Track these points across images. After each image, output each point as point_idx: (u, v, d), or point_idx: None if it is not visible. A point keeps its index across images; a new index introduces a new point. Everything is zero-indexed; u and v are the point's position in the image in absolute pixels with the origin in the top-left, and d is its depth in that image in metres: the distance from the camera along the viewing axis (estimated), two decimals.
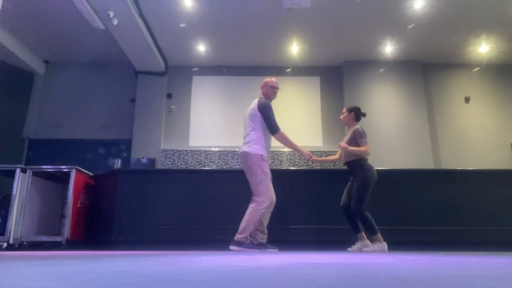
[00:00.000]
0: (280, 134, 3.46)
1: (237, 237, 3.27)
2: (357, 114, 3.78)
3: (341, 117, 3.86)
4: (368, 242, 3.48)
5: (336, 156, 3.88)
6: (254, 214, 3.26)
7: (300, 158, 7.42)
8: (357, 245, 3.52)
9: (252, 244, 3.31)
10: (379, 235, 3.42)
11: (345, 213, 3.59)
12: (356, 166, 3.56)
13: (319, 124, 7.70)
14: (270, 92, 3.64)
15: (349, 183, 3.69)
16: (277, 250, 3.35)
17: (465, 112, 7.69)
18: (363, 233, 3.51)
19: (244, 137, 3.54)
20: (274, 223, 3.41)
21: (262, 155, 3.40)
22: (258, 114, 3.47)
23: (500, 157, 7.37)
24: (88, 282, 0.78)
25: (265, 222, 3.42)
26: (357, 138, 3.58)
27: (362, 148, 3.53)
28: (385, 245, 3.40)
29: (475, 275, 0.92)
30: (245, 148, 3.44)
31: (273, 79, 3.70)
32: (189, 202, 4.14)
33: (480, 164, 7.26)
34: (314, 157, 3.66)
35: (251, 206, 3.32)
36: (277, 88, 3.67)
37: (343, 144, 3.58)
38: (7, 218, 3.99)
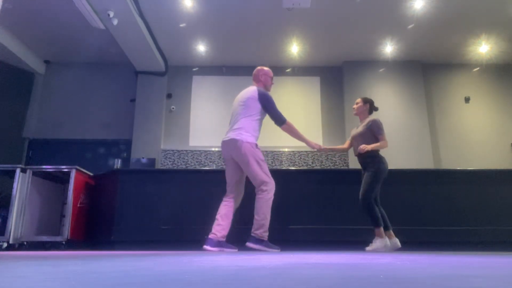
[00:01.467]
0: (288, 124, 3.35)
1: (256, 233, 3.07)
2: (371, 106, 3.76)
3: (355, 106, 3.79)
4: (386, 239, 3.41)
5: (345, 146, 3.80)
6: (266, 205, 3.12)
7: (300, 158, 7.42)
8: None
9: (269, 243, 3.13)
10: (381, 230, 3.38)
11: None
12: (370, 157, 3.51)
13: (319, 124, 7.70)
14: (268, 84, 3.55)
15: (362, 177, 3.63)
16: (236, 250, 3.20)
17: (465, 112, 7.69)
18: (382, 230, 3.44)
19: (232, 124, 3.34)
20: (274, 223, 3.40)
21: (254, 143, 3.25)
22: (257, 104, 3.30)
23: (500, 157, 7.37)
24: (88, 282, 0.78)
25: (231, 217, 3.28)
26: (374, 130, 3.55)
27: (381, 143, 3.51)
28: (386, 240, 3.38)
29: (475, 275, 0.92)
30: (234, 135, 3.22)
31: (268, 68, 3.61)
32: (189, 202, 4.14)
33: (480, 164, 7.26)
34: (323, 146, 3.57)
35: (258, 197, 3.17)
36: (272, 78, 3.61)
37: (364, 146, 3.47)
38: (7, 218, 3.99)
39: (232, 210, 3.30)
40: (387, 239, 3.40)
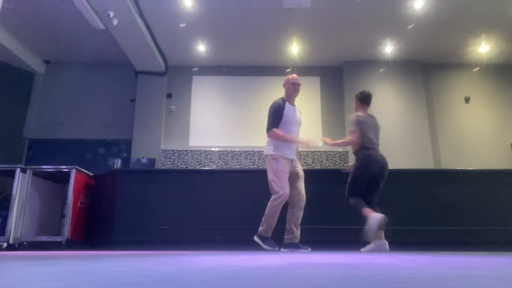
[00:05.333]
0: (272, 132, 3.45)
1: (259, 229, 3.40)
2: (360, 99, 3.70)
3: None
4: (384, 241, 3.32)
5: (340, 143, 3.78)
6: (269, 209, 3.35)
7: (300, 158, 7.41)
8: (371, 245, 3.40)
9: (274, 243, 3.34)
10: (367, 210, 3.21)
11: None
12: (357, 154, 3.53)
13: (319, 124, 7.70)
14: (291, 89, 3.60)
15: None
16: (309, 249, 3.35)
17: (465, 112, 7.69)
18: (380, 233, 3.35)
19: None
20: None
21: (272, 155, 3.45)
22: None
23: (500, 157, 7.37)
24: (88, 282, 0.78)
25: (295, 221, 3.41)
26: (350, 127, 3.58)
27: (345, 140, 3.56)
28: (374, 216, 3.12)
29: (475, 275, 0.92)
30: (264, 151, 3.59)
31: (294, 75, 3.67)
32: (189, 202, 4.14)
33: (480, 164, 7.26)
34: (327, 140, 3.59)
35: (269, 202, 3.42)
36: (298, 84, 3.62)
37: (326, 139, 3.62)
38: (7, 218, 3.99)
39: (291, 212, 3.47)
40: (375, 215, 3.14)
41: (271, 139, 3.50)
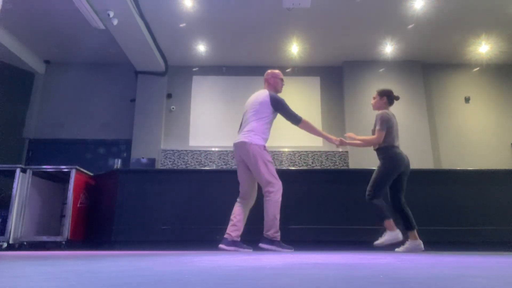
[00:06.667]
0: (304, 122, 3.42)
1: (267, 234, 3.13)
2: (389, 98, 3.63)
3: (372, 102, 3.69)
4: (398, 231, 3.25)
5: (361, 142, 3.66)
6: (275, 206, 3.16)
7: (300, 158, 7.41)
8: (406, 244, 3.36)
9: (282, 243, 3.16)
10: (390, 222, 3.25)
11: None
12: (381, 153, 3.43)
13: (319, 124, 7.70)
14: (280, 85, 3.59)
15: None
16: (251, 250, 3.22)
17: (465, 112, 7.69)
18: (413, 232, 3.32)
19: (243, 127, 3.43)
20: None
21: (263, 145, 3.32)
22: (268, 108, 3.37)
23: (500, 157, 7.37)
24: (88, 282, 0.78)
25: (245, 219, 3.33)
26: (375, 124, 3.46)
27: (367, 138, 3.46)
28: (398, 232, 3.23)
29: (475, 275, 0.92)
30: (244, 138, 3.31)
31: (277, 71, 3.64)
32: (189, 202, 4.14)
33: (480, 164, 7.26)
34: (345, 141, 3.51)
35: (266, 200, 3.21)
36: (283, 81, 3.64)
37: (349, 134, 3.54)
38: (7, 218, 3.99)
39: (245, 210, 3.37)
40: (398, 231, 3.23)
41: (259, 130, 3.30)
